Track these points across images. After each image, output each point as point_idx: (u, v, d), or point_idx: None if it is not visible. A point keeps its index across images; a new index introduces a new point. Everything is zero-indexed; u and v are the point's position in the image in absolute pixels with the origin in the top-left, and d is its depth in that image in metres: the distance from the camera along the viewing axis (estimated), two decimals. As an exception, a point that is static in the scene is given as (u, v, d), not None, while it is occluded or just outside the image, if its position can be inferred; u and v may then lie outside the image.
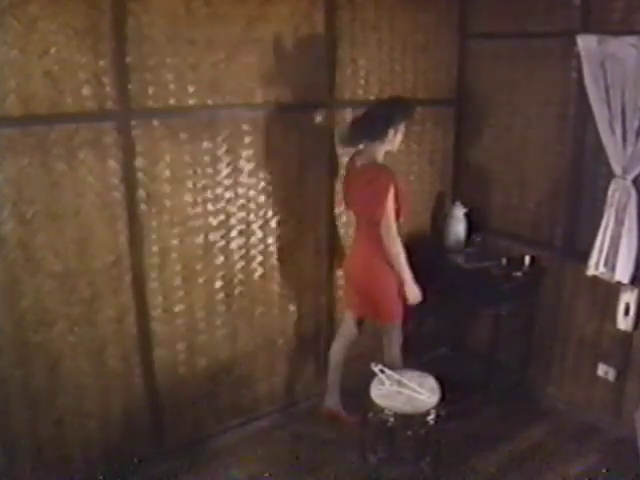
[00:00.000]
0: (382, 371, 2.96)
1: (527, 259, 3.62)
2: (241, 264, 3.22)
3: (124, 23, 2.60)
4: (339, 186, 3.42)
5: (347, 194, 3.26)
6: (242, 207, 3.16)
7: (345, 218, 3.53)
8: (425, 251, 3.30)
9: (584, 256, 3.29)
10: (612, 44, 2.94)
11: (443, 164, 4.00)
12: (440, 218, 4.00)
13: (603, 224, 3.18)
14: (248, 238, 3.22)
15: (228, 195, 3.09)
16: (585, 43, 3.06)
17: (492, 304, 3.61)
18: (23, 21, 2.37)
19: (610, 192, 3.14)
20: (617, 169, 3.10)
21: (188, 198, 2.96)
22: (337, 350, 3.46)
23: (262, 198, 3.22)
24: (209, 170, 3.00)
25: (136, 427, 3.07)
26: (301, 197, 3.37)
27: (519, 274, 3.58)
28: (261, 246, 3.28)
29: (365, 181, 3.04)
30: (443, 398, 2.84)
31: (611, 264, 3.18)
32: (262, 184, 3.20)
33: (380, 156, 3.10)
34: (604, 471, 3.11)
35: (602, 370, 3.44)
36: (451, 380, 3.02)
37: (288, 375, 3.61)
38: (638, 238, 3.14)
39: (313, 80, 3.24)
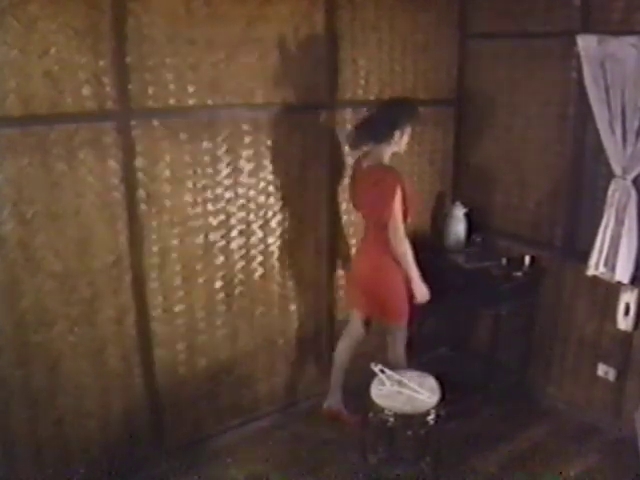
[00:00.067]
0: (382, 371, 2.96)
1: (527, 259, 3.62)
2: (241, 264, 3.22)
3: (124, 23, 2.60)
4: (340, 186, 3.43)
5: (354, 196, 3.26)
6: (242, 207, 3.15)
7: (346, 217, 3.53)
8: (425, 251, 3.30)
9: (584, 256, 3.29)
10: (612, 44, 2.94)
11: (443, 164, 3.99)
12: (440, 218, 4.00)
13: (603, 224, 3.18)
14: (248, 238, 3.22)
15: (228, 195, 3.09)
16: (585, 43, 3.06)
17: (492, 304, 3.61)
18: (23, 21, 2.37)
19: (610, 192, 3.14)
20: (617, 169, 3.10)
21: (188, 198, 2.96)
22: (343, 350, 3.46)
23: (262, 198, 3.22)
24: (209, 170, 3.00)
25: (136, 427, 3.07)
26: (301, 197, 3.37)
27: (519, 274, 3.58)
28: (261, 246, 3.28)
29: (372, 183, 3.04)
30: (443, 398, 2.84)
31: (611, 264, 3.18)
32: (262, 184, 3.20)
33: (386, 158, 3.09)
34: (604, 471, 3.11)
35: (602, 370, 3.44)
36: (451, 380, 3.02)
37: (288, 375, 3.61)
38: (638, 238, 3.14)
39: (313, 80, 3.24)
